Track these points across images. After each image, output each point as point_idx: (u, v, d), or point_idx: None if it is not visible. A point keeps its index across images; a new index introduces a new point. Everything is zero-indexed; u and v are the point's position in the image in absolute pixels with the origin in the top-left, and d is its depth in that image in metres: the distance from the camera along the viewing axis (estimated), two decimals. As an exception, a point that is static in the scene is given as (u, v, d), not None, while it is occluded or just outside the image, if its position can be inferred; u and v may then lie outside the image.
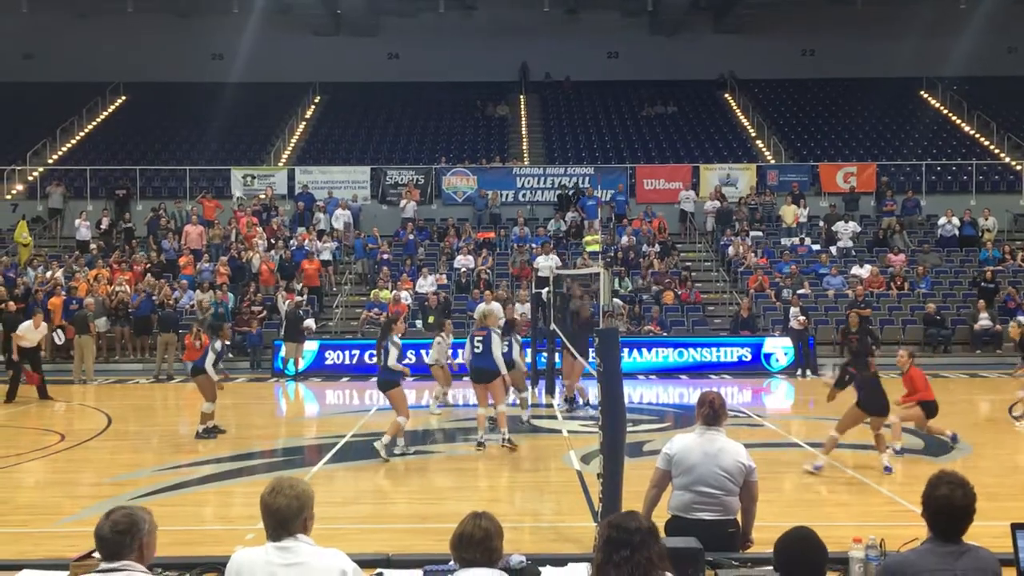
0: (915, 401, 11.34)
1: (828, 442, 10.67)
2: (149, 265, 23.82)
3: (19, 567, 4.65)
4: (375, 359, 11.79)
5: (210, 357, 12.89)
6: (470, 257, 24.41)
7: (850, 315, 15.50)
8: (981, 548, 3.65)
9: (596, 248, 24.35)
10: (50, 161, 30.34)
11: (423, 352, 20.59)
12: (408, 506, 9.38)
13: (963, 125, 32.49)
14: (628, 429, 11.11)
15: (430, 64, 33.85)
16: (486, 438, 12.08)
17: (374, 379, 20.02)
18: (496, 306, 18.06)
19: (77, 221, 25.79)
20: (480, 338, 12.08)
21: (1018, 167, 28.98)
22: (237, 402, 17.39)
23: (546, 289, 18.81)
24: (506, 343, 12.95)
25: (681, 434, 5.61)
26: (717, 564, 4.53)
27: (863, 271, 23.70)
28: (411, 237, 25.52)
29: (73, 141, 31.96)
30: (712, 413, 5.47)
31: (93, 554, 4.19)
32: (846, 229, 25.75)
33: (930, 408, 11.36)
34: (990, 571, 3.59)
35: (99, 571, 3.54)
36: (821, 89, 34.60)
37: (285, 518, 3.53)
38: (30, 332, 17.01)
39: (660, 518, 5.15)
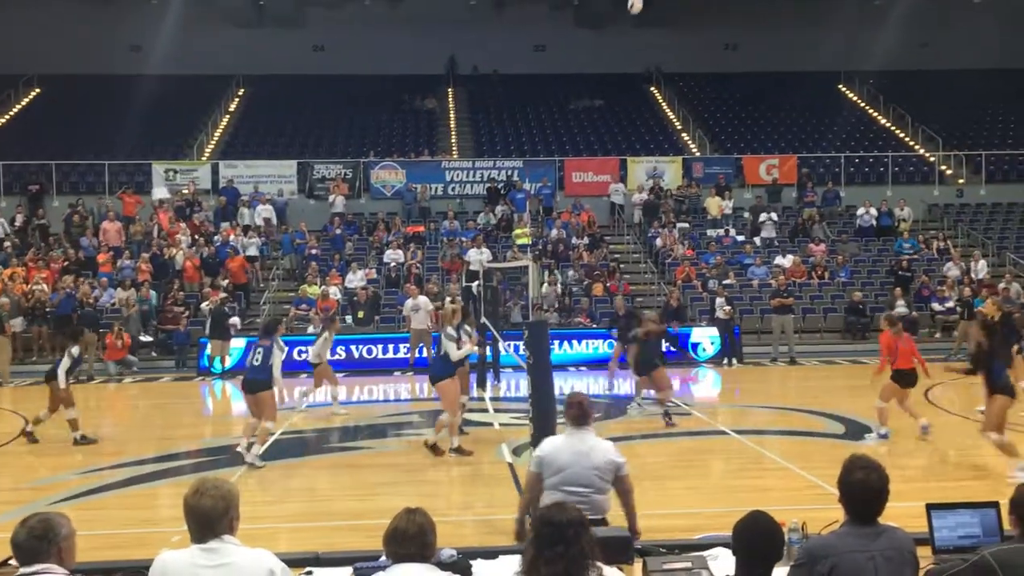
0: (887, 369, 11.54)
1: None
2: (67, 263, 23.11)
3: (-68, 577, 4.49)
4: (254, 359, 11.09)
5: (64, 363, 12.41)
6: (400, 251, 24.27)
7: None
8: (897, 528, 3.78)
9: (526, 241, 24.45)
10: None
11: (353, 348, 20.52)
12: (339, 503, 9.31)
13: (880, 118, 33.44)
14: (558, 421, 11.23)
15: (357, 56, 33.49)
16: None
17: (304, 376, 19.86)
18: (421, 301, 18.10)
19: (-9, 217, 24.91)
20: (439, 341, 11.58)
21: (932, 159, 29.96)
22: (163, 402, 17.05)
23: (477, 283, 18.83)
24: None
25: (551, 437, 5.72)
26: (645, 552, 4.60)
27: (785, 261, 24.24)
28: (338, 232, 25.25)
29: (-16, 135, 30.81)
30: (580, 414, 5.61)
31: (11, 561, 4.07)
32: (767, 220, 26.26)
33: (906, 378, 11.54)
34: (906, 550, 3.72)
35: (22, 575, 3.46)
36: (744, 83, 35.23)
37: (211, 519, 3.47)
38: None
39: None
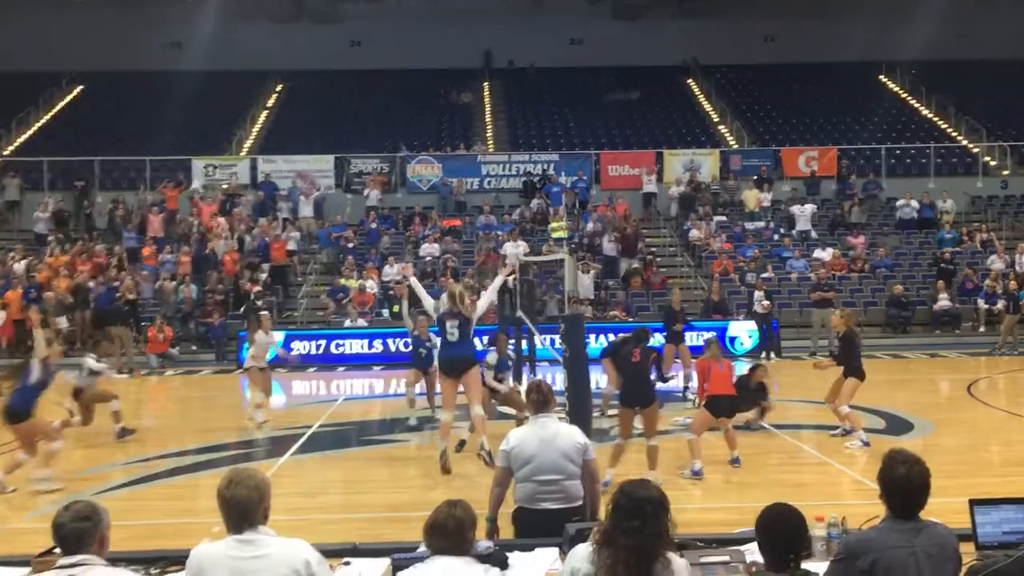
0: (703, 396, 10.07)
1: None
2: (116, 260, 23.29)
3: (-21, 564, 4.58)
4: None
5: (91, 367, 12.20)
6: (436, 245, 24.33)
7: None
8: (939, 524, 3.72)
9: (562, 235, 24.38)
10: (5, 152, 29.76)
11: (389, 342, 20.60)
12: (376, 496, 9.36)
13: (921, 109, 32.90)
14: (594, 414, 11.22)
15: (393, 51, 33.63)
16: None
17: (341, 369, 19.99)
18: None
19: (36, 213, 25.38)
20: (455, 323, 10.41)
21: (975, 150, 29.42)
22: (203, 394, 17.28)
23: (512, 276, 18.79)
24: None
25: (514, 429, 5.72)
26: (682, 545, 4.56)
27: (825, 254, 23.94)
28: (373, 226, 25.37)
29: (29, 132, 31.38)
30: (541, 399, 5.60)
31: (55, 550, 4.13)
32: (803, 211, 25.91)
33: (719, 405, 10.01)
34: (948, 546, 3.66)
35: (58, 568, 3.47)
36: (782, 74, 34.86)
37: (247, 509, 3.50)
38: None
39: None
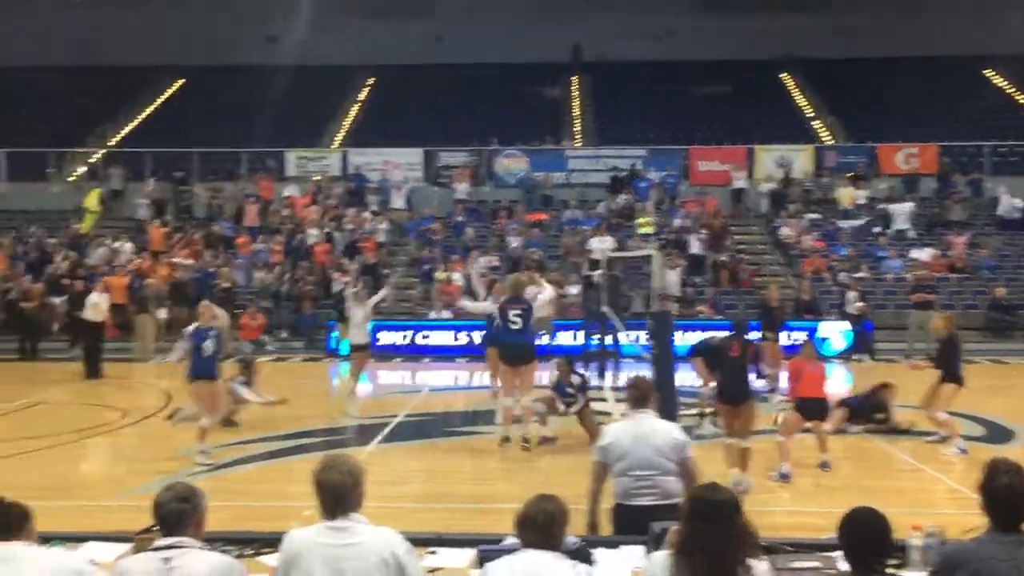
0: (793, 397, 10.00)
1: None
2: (213, 250, 23.96)
3: (84, 539, 4.79)
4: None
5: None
6: (521, 239, 24.35)
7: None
8: (1045, 538, 3.57)
9: (648, 230, 24.12)
10: (110, 144, 30.94)
11: (474, 335, 20.68)
12: (460, 486, 9.46)
13: (1029, 104, 31.55)
14: (681, 412, 11.10)
15: (482, 46, 33.76)
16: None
17: (427, 360, 20.18)
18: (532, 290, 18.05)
19: (138, 199, 26.35)
20: (519, 311, 10.94)
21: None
22: (293, 382, 17.64)
23: (599, 271, 18.68)
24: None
25: (612, 424, 5.73)
26: (771, 549, 4.48)
27: (922, 254, 23.12)
28: (460, 219, 25.56)
29: (133, 124, 32.55)
30: (640, 395, 5.58)
31: (155, 527, 4.28)
32: (902, 210, 25.09)
33: (810, 408, 9.91)
34: (1054, 562, 3.51)
35: (154, 548, 3.56)
36: (880, 68, 33.79)
37: (341, 494, 3.57)
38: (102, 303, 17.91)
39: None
